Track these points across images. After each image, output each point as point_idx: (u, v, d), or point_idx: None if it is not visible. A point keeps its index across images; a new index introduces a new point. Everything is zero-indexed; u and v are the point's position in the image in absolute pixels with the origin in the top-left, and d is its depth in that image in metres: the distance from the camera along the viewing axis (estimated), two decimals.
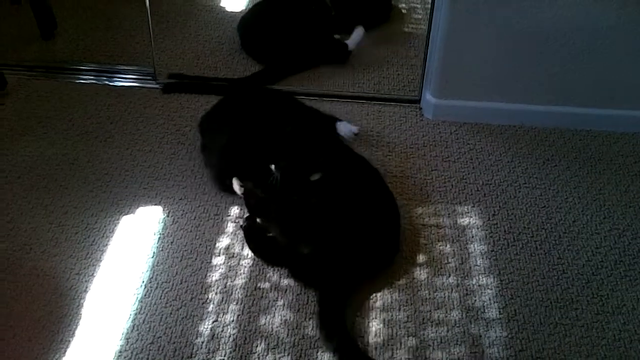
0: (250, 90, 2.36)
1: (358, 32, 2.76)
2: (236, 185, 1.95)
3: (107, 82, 2.62)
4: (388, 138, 2.34)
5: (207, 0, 3.19)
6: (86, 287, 1.74)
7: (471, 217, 2.00)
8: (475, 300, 1.74)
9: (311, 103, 2.39)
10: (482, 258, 1.87)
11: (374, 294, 1.75)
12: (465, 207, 2.04)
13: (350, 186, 1.88)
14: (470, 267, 1.84)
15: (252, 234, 1.86)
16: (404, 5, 3.16)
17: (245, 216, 1.92)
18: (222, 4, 3.15)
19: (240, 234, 1.90)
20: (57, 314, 1.67)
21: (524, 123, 2.40)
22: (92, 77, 2.65)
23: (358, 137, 2.30)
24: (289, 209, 1.83)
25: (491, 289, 1.77)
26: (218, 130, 2.13)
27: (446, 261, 1.86)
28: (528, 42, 2.25)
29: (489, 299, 1.75)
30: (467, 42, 2.28)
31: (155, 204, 2.03)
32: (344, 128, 2.26)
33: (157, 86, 2.59)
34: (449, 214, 2.01)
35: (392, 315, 1.70)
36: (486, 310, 1.72)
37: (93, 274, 1.79)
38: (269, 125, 2.01)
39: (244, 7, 3.04)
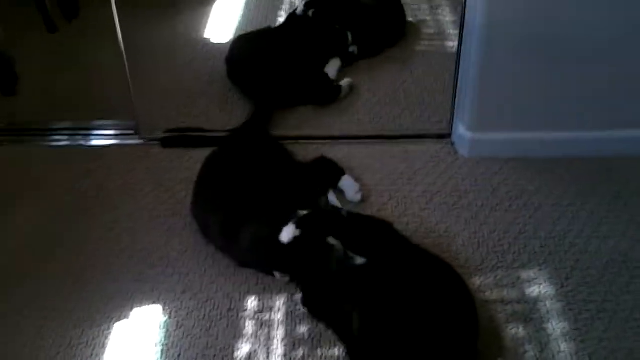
0: (231, 152, 1.99)
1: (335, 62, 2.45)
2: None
3: (82, 143, 2.25)
4: (421, 185, 1.97)
5: (190, 32, 2.81)
6: None
7: (540, 284, 1.64)
8: None
9: (322, 148, 2.03)
10: (566, 341, 1.50)
11: None
12: (531, 271, 1.67)
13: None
14: (553, 356, 1.47)
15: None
16: (410, 19, 2.79)
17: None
18: (205, 36, 2.77)
19: (263, 335, 1.53)
20: None
21: (579, 154, 2.03)
22: (64, 137, 2.27)
23: (386, 188, 1.94)
24: None
25: None
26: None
27: (523, 350, 1.49)
28: (575, 61, 1.90)
29: None
30: (506, 64, 1.91)
31: (153, 302, 1.64)
32: (349, 189, 1.92)
33: (140, 142, 2.21)
34: (513, 282, 1.64)
35: None
36: None
37: None
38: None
39: (230, 38, 2.64)
